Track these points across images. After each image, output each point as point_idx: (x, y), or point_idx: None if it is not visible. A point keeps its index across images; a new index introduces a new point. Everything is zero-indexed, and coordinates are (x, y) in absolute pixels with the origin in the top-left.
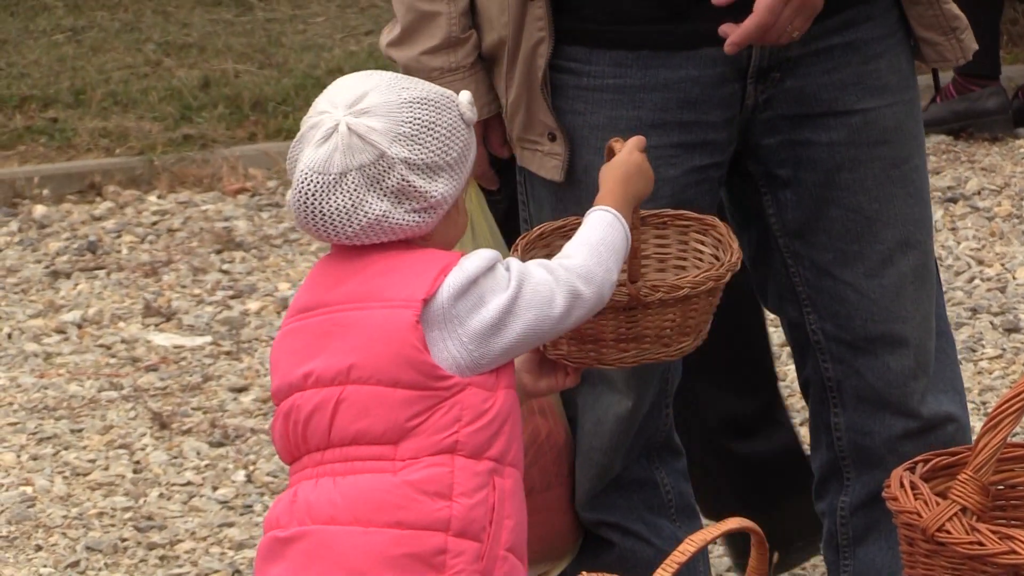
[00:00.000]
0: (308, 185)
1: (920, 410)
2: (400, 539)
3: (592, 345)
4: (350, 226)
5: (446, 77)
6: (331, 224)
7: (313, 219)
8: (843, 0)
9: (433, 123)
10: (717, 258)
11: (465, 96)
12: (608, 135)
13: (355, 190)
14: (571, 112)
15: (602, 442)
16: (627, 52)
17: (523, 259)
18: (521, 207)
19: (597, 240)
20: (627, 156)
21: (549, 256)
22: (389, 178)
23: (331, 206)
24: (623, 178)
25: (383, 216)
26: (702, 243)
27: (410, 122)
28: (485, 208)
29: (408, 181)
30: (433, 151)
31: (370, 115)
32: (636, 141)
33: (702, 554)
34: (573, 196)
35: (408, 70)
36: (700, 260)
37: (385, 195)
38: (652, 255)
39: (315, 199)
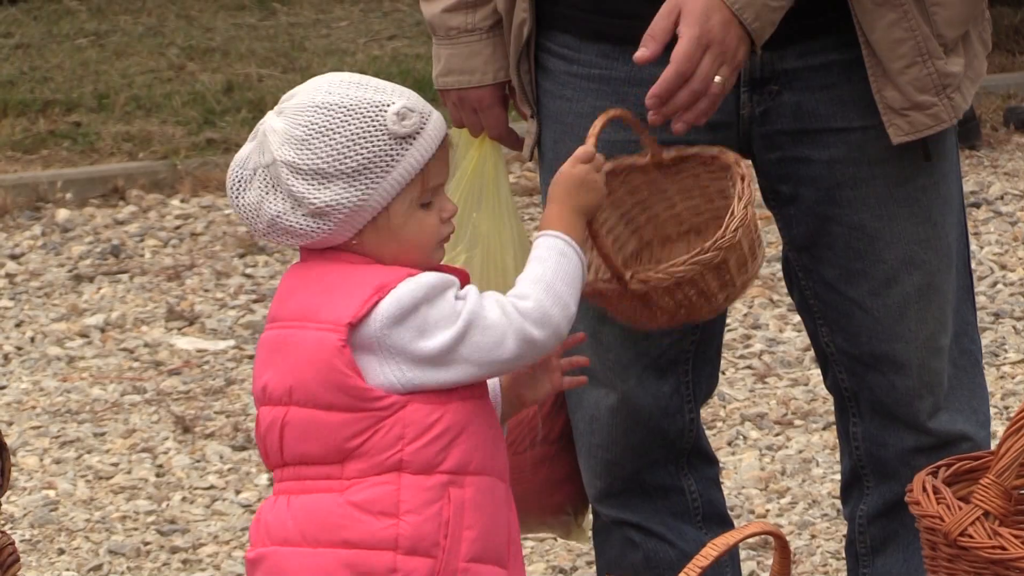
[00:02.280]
0: (231, 179)
1: (931, 427)
2: (348, 558)
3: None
4: (259, 222)
5: (463, 37)
6: (247, 218)
7: (239, 212)
8: (840, 21)
9: (331, 129)
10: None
11: (395, 108)
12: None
13: (261, 188)
14: (560, 97)
15: (602, 438)
16: (612, 45)
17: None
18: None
19: (552, 275)
20: (569, 169)
21: None
22: (281, 180)
23: (245, 201)
24: (567, 192)
25: (278, 216)
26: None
27: (305, 125)
28: (502, 178)
29: (290, 184)
30: (323, 157)
31: (281, 116)
32: (580, 153)
33: (732, 559)
34: (548, 179)
35: (431, 26)
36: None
37: (283, 197)
38: (711, 189)
39: (235, 192)
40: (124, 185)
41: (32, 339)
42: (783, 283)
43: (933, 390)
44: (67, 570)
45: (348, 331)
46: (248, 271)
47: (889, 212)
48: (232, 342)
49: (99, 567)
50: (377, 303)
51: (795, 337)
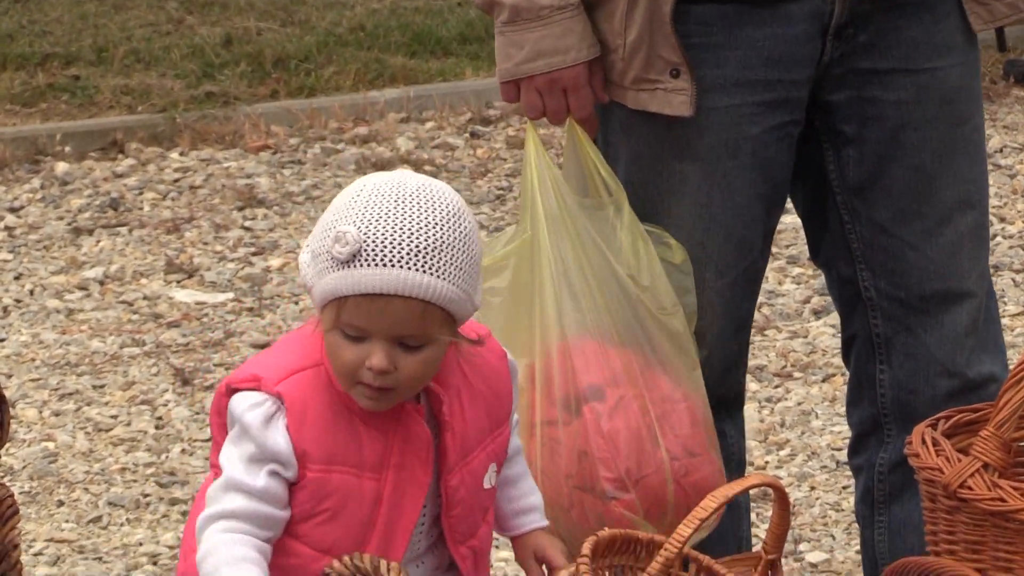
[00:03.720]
0: None
1: (966, 371)
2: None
3: None
4: None
5: (555, 16)
6: None
7: None
8: None
9: (329, 207)
10: None
11: (341, 228)
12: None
13: None
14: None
15: None
16: (714, 7)
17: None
18: (608, 150)
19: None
20: None
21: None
22: None
23: None
24: None
25: None
26: None
27: None
28: (595, 150)
29: None
30: (318, 224)
31: None
32: None
33: (743, 513)
34: (674, 129)
35: (515, 11)
36: None
37: None
38: None
39: None
40: (123, 138)
41: (31, 292)
42: (782, 236)
43: (977, 328)
44: (66, 522)
45: (226, 390)
46: (247, 224)
47: (948, 152)
48: (231, 295)
49: (98, 519)
50: (245, 390)
51: (794, 290)
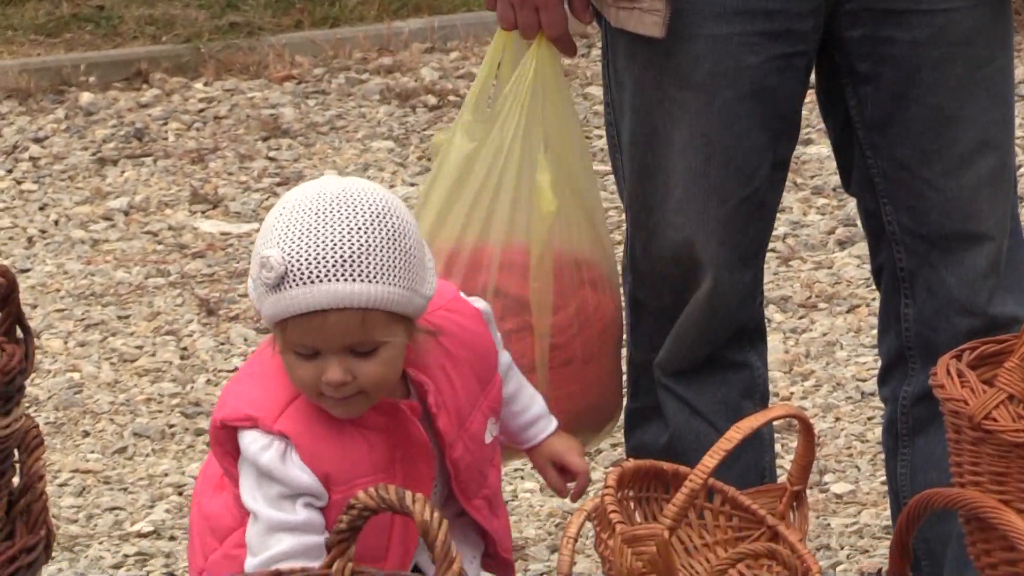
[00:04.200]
0: None
1: (987, 310)
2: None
3: None
4: None
5: None
6: None
7: None
8: None
9: (261, 227)
10: None
11: (264, 253)
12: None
13: None
14: None
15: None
16: None
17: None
18: (607, 71)
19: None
20: None
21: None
22: None
23: None
24: None
25: None
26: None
27: None
28: (562, 82)
29: None
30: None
31: None
32: None
33: (767, 445)
34: (673, 57)
35: None
36: None
37: None
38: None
39: None
40: (147, 68)
41: (56, 222)
42: (807, 166)
43: (998, 270)
44: (92, 452)
45: (221, 425)
46: (272, 154)
47: (968, 93)
48: (256, 225)
49: (124, 449)
50: (247, 428)
51: (819, 220)
